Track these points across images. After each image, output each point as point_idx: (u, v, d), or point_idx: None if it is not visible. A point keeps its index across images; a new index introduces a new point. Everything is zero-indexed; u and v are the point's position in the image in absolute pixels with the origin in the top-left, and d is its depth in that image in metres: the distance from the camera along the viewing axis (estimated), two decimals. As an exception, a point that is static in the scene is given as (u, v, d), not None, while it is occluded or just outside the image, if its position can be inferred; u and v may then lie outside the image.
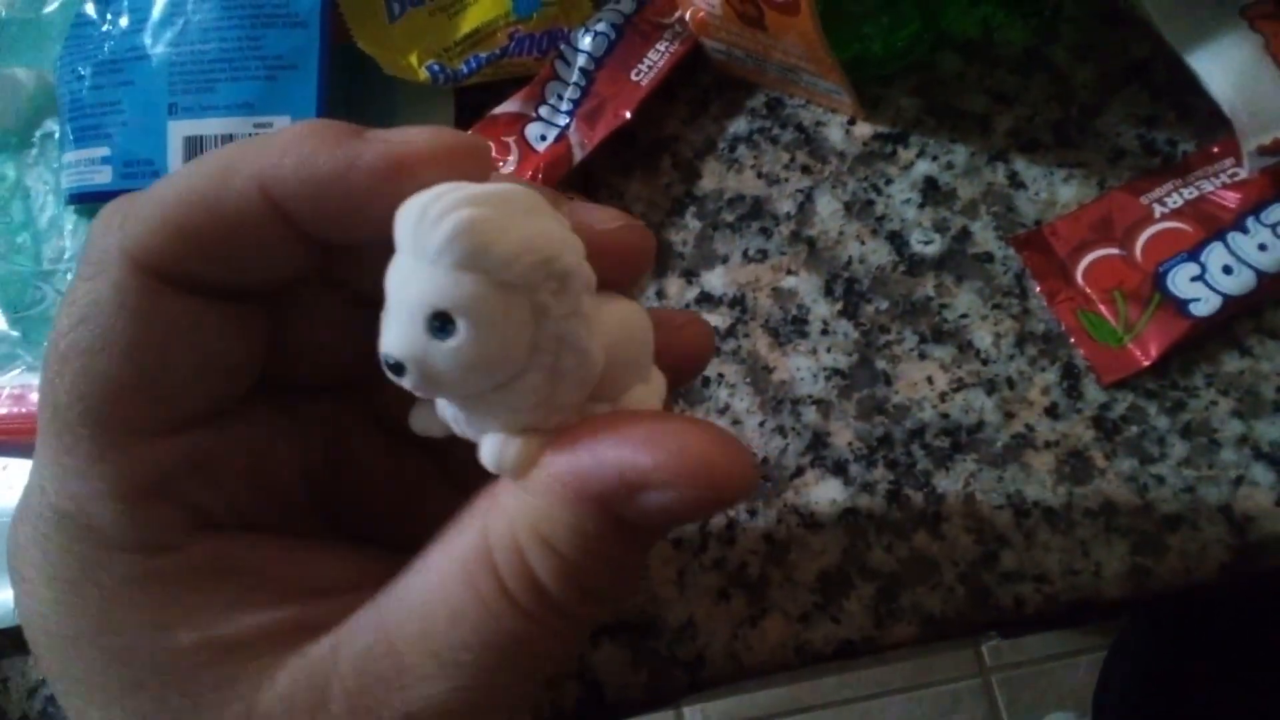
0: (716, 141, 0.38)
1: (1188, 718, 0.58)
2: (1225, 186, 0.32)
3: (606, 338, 0.17)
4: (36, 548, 0.18)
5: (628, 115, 0.36)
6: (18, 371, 0.41)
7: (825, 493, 0.32)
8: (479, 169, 0.17)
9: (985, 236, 0.34)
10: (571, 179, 0.37)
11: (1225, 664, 0.58)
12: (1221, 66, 0.30)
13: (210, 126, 0.38)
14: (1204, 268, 0.31)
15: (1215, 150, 0.32)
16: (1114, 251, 0.32)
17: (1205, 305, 0.30)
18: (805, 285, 0.35)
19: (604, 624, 0.32)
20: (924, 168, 0.35)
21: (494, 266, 0.15)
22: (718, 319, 0.35)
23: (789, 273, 0.35)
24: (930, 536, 0.31)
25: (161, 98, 0.38)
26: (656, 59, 0.37)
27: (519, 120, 0.38)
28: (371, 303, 0.20)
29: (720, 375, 0.34)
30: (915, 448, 0.32)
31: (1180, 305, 0.31)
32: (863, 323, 0.34)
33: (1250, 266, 0.30)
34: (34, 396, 0.40)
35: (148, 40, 0.39)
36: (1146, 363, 0.31)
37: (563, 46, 0.38)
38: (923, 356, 0.33)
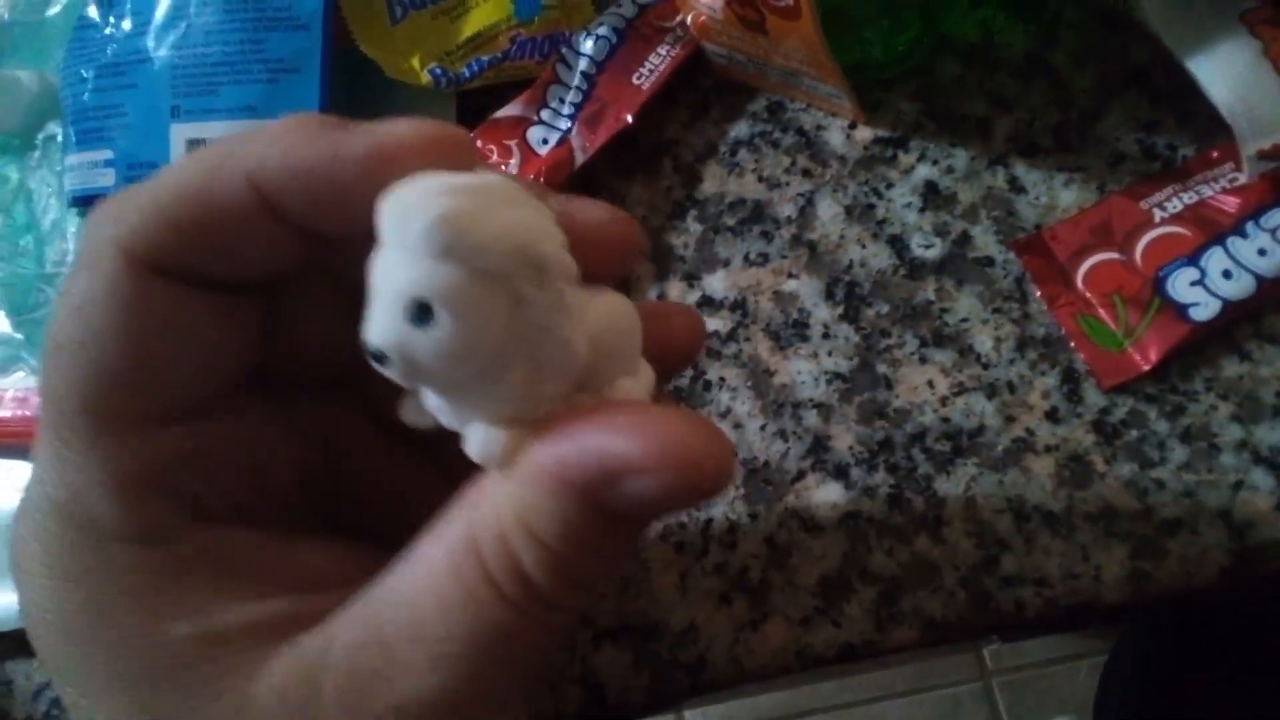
0: (717, 145, 0.38)
1: (1188, 722, 0.58)
2: (1225, 191, 0.32)
3: (591, 329, 0.17)
4: (35, 540, 0.18)
5: (629, 119, 0.37)
6: (21, 374, 0.41)
7: (826, 496, 0.32)
8: (462, 159, 0.18)
9: (985, 241, 0.34)
10: (573, 182, 0.37)
11: (1225, 669, 0.58)
12: (1221, 71, 0.30)
13: (213, 129, 0.38)
14: (1204, 272, 0.31)
15: (1215, 155, 0.32)
16: (1114, 256, 0.32)
17: (1205, 310, 0.30)
18: (806, 289, 0.35)
19: (606, 627, 0.32)
20: (924, 172, 0.35)
21: (471, 255, 0.15)
22: (719, 322, 0.35)
23: (790, 276, 0.35)
24: (931, 540, 0.31)
25: (164, 101, 0.38)
26: (658, 63, 0.37)
27: (521, 124, 0.38)
28: (362, 296, 0.21)
29: (721, 379, 0.34)
30: (916, 452, 0.32)
31: (1180, 310, 0.31)
32: (863, 326, 0.34)
33: (1250, 271, 0.30)
34: (38, 399, 0.40)
35: (150, 43, 0.39)
36: (1146, 367, 0.31)
37: (564, 50, 0.38)
38: (923, 360, 0.33)
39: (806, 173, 0.36)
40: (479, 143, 0.38)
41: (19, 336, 0.42)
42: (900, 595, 0.31)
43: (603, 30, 0.38)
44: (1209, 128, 0.32)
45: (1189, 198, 0.32)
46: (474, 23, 0.39)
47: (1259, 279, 0.30)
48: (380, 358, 0.16)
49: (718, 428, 0.17)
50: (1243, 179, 0.31)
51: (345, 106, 0.40)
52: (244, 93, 0.37)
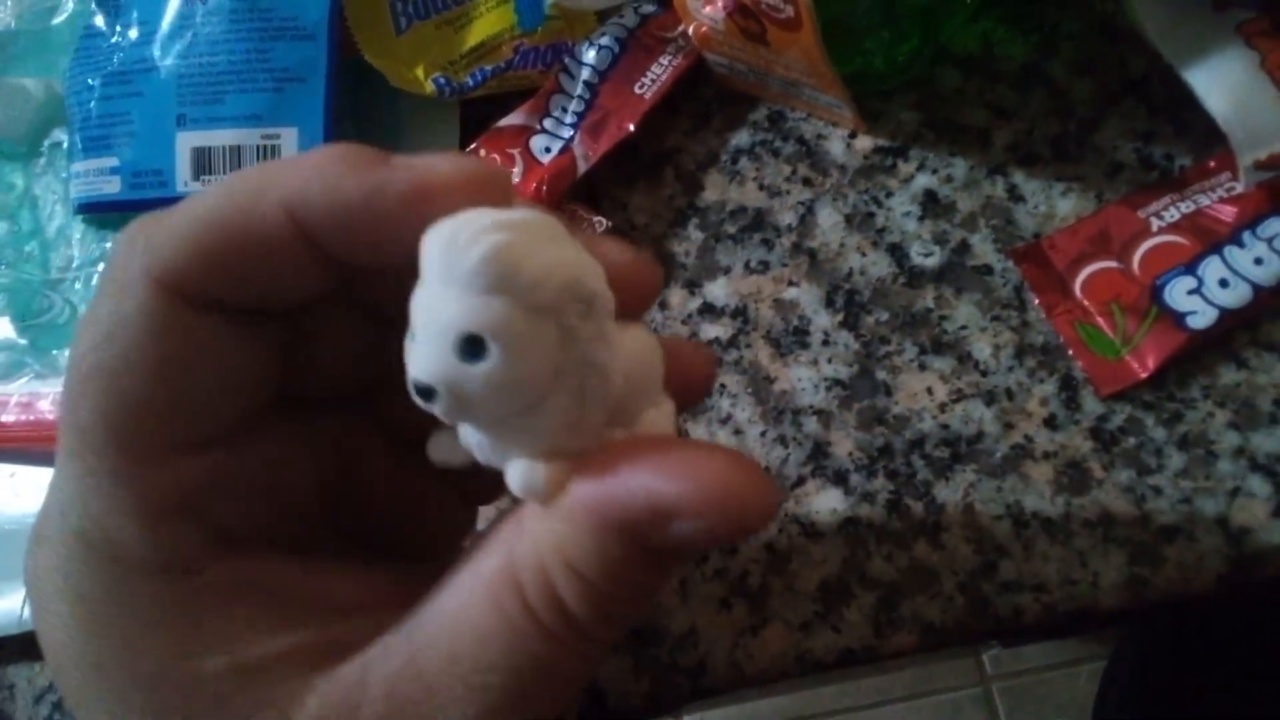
0: (719, 154, 0.38)
1: (1186, 728, 0.59)
2: (1222, 201, 0.32)
3: (624, 363, 0.17)
4: (57, 572, 0.18)
5: (631, 128, 0.37)
6: (26, 379, 0.42)
7: (826, 502, 0.32)
8: (503, 196, 0.18)
9: (984, 249, 0.34)
10: (575, 191, 0.37)
11: (1224, 675, 0.58)
12: (1218, 82, 0.30)
13: (218, 138, 0.38)
14: (1201, 281, 0.31)
15: (1212, 165, 0.33)
16: (1112, 265, 0.32)
17: (1202, 318, 0.31)
18: (806, 296, 0.35)
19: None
20: (924, 181, 0.35)
21: (524, 290, 0.15)
22: (719, 330, 0.35)
23: (790, 284, 0.35)
24: (930, 546, 0.31)
25: (170, 109, 0.39)
26: (660, 72, 0.38)
27: (523, 132, 0.38)
28: (382, 316, 0.21)
29: (722, 386, 0.35)
30: (915, 458, 0.32)
31: (1177, 318, 0.31)
32: (863, 334, 0.34)
33: (1246, 280, 0.31)
34: (42, 404, 0.40)
35: (156, 52, 0.39)
36: (1144, 375, 0.31)
37: (567, 60, 0.39)
38: (922, 368, 0.33)
39: (807, 181, 0.37)
40: (481, 151, 0.38)
41: (23, 342, 0.43)
42: (899, 601, 0.31)
43: (605, 40, 0.38)
44: (1206, 138, 0.33)
45: (1186, 207, 0.32)
46: (477, 33, 0.39)
47: (1256, 288, 0.30)
48: (428, 393, 0.16)
49: (760, 467, 0.17)
50: (1239, 189, 0.32)
51: (350, 116, 0.40)
52: (249, 101, 0.38)
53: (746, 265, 0.36)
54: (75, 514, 0.18)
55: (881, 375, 0.33)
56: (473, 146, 0.38)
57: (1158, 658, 0.62)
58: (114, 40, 0.40)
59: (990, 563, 0.31)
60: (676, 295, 0.36)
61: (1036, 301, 0.33)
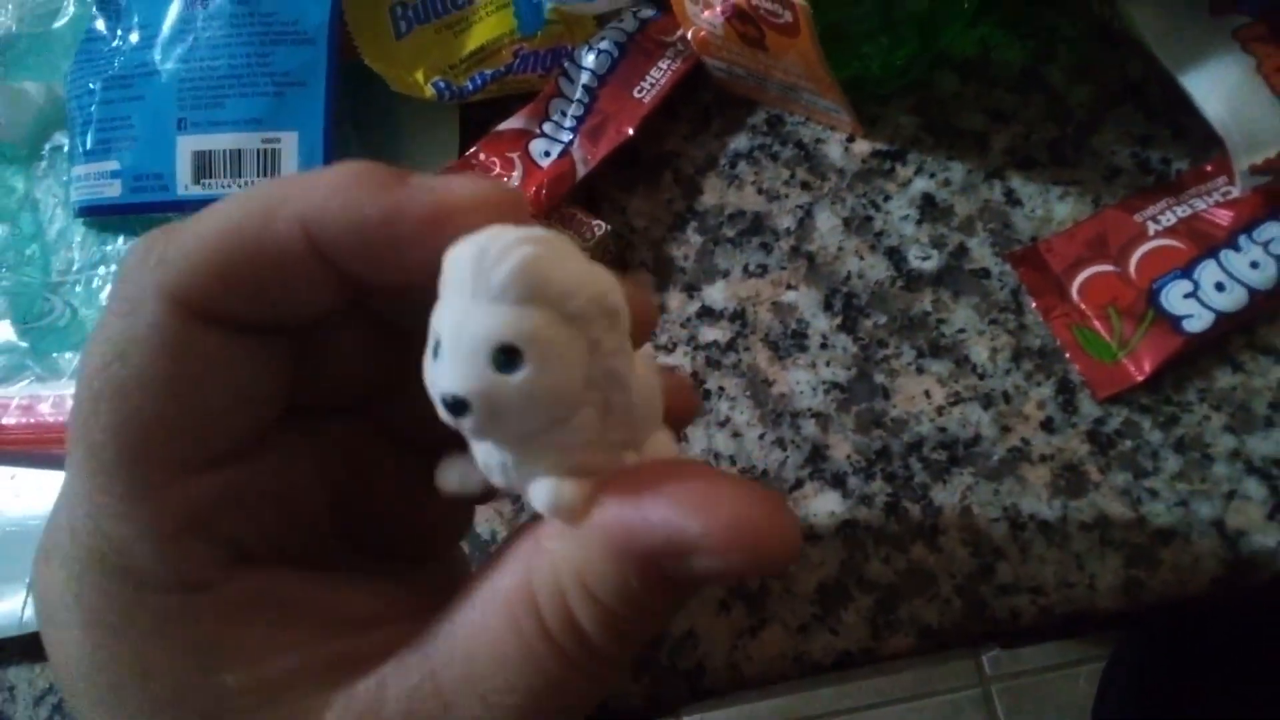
0: (718, 158, 0.38)
1: (1185, 731, 0.59)
2: (1218, 205, 0.32)
3: (636, 382, 0.17)
4: (69, 593, 0.18)
5: (630, 132, 0.37)
6: (26, 382, 0.42)
7: (824, 505, 0.32)
8: (519, 218, 0.18)
9: (982, 253, 0.34)
10: (575, 194, 0.37)
11: (1222, 677, 0.58)
12: (1214, 87, 0.31)
13: (219, 141, 0.38)
14: (1197, 285, 0.31)
15: (1208, 169, 0.33)
16: (1109, 268, 0.33)
17: (1198, 322, 0.31)
18: (805, 300, 0.35)
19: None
20: (922, 185, 0.36)
21: (556, 300, 0.16)
22: (718, 333, 0.36)
23: (789, 287, 0.35)
24: (927, 549, 0.31)
25: (171, 113, 0.39)
26: (659, 76, 0.38)
27: (523, 136, 0.38)
28: (383, 322, 0.21)
29: (721, 388, 0.35)
30: (913, 461, 0.32)
31: (1174, 321, 0.31)
32: (861, 337, 0.34)
33: (1242, 284, 0.31)
34: (43, 407, 0.40)
35: (157, 56, 0.39)
36: (1140, 378, 0.31)
37: (566, 64, 0.39)
38: (920, 371, 0.33)
39: (805, 185, 0.37)
40: (481, 155, 0.38)
41: (24, 345, 0.43)
42: (897, 603, 0.31)
43: (604, 44, 0.38)
44: (1203, 142, 0.33)
45: (1183, 211, 0.32)
46: (477, 37, 0.39)
47: (1251, 291, 0.31)
48: (459, 407, 0.15)
49: (784, 503, 0.17)
50: (1235, 193, 0.32)
51: (350, 120, 0.40)
52: (250, 105, 0.38)
53: (745, 269, 0.36)
54: (86, 532, 0.17)
55: (879, 378, 0.34)
56: (472, 150, 0.39)
57: (1156, 659, 0.62)
58: (115, 44, 0.40)
59: (987, 565, 0.31)
60: (675, 298, 0.36)
61: (1034, 305, 0.33)
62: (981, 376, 0.33)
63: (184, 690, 0.17)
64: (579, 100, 0.38)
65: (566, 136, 0.38)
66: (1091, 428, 0.31)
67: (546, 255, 0.16)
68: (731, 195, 0.37)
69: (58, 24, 0.46)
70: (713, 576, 0.16)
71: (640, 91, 0.38)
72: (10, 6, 0.47)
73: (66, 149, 0.43)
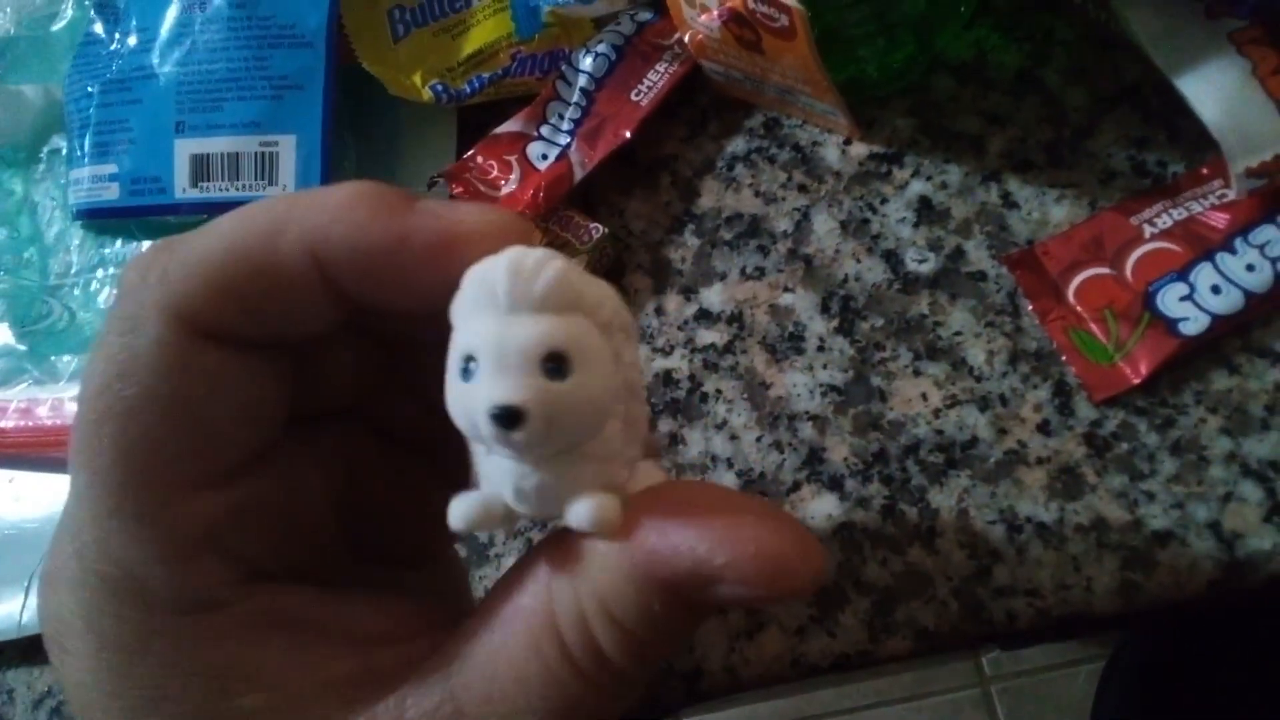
0: (715, 161, 0.38)
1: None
2: (1214, 208, 0.32)
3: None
4: (79, 618, 0.17)
5: (628, 135, 0.37)
6: (24, 385, 0.42)
7: (821, 507, 0.33)
8: (527, 246, 0.18)
9: (979, 255, 0.34)
10: (572, 197, 0.37)
11: (1222, 677, 0.59)
12: (1210, 90, 0.31)
13: (217, 145, 0.38)
14: (1193, 287, 0.31)
15: (1204, 172, 0.33)
16: (1105, 271, 0.33)
17: (1194, 324, 0.31)
18: (802, 302, 0.35)
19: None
20: (918, 187, 0.36)
21: (591, 309, 0.16)
22: (715, 335, 0.36)
23: (786, 290, 0.36)
24: (924, 551, 0.31)
25: (169, 116, 0.39)
26: (656, 79, 0.38)
27: (520, 139, 0.38)
28: (374, 331, 0.21)
29: (718, 391, 0.35)
30: (910, 463, 0.32)
31: (1170, 324, 0.31)
32: (858, 340, 0.34)
33: (1238, 286, 0.31)
34: (41, 410, 0.40)
35: (155, 59, 0.39)
36: (1136, 381, 0.31)
37: (564, 67, 0.39)
38: (917, 373, 0.33)
39: (802, 188, 0.37)
40: (478, 158, 0.38)
41: (22, 348, 0.43)
42: (894, 605, 0.31)
43: (602, 47, 0.38)
44: (1199, 145, 0.33)
45: (1179, 214, 0.32)
46: (475, 40, 0.39)
47: (1247, 294, 0.31)
48: (514, 418, 0.15)
49: (807, 531, 0.17)
50: (1232, 196, 0.32)
51: (348, 123, 0.40)
52: (248, 109, 0.38)
53: (742, 271, 0.36)
54: (93, 556, 0.17)
55: (876, 381, 0.34)
56: (469, 153, 0.39)
57: (1157, 659, 0.62)
58: (113, 47, 0.40)
59: (984, 568, 0.31)
60: (672, 301, 0.37)
61: (1030, 308, 0.33)
62: (978, 379, 0.33)
63: (202, 713, 0.17)
64: (576, 103, 0.38)
65: (564, 139, 0.38)
66: (1088, 430, 0.32)
67: (574, 269, 0.16)
68: (729, 198, 0.37)
69: (56, 27, 0.46)
70: (736, 603, 0.17)
71: (637, 94, 0.38)
72: (8, 9, 0.47)
73: (65, 152, 0.43)
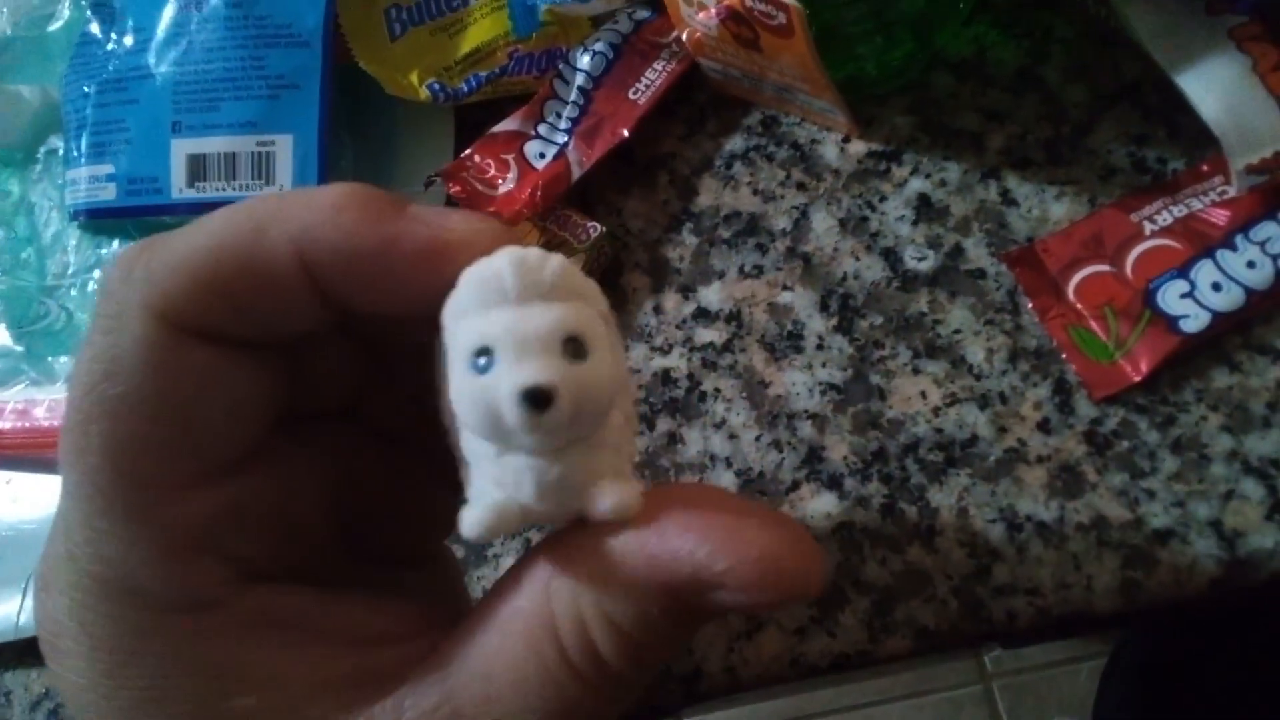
0: (713, 159, 0.38)
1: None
2: (1214, 204, 0.32)
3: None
4: (74, 620, 0.17)
5: (625, 133, 0.37)
6: (21, 386, 0.42)
7: (820, 506, 0.32)
8: None
9: (978, 253, 0.34)
10: (570, 196, 0.37)
11: (1223, 674, 0.59)
12: (1210, 87, 0.31)
13: (214, 145, 0.38)
14: (1193, 284, 0.31)
15: (1205, 168, 0.33)
16: (1105, 268, 0.32)
17: (1195, 322, 0.31)
18: (800, 301, 0.35)
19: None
20: (917, 185, 0.36)
21: (592, 297, 0.17)
22: (714, 334, 0.35)
23: (784, 288, 0.35)
24: (924, 550, 0.31)
25: (165, 116, 0.39)
26: (654, 78, 0.38)
27: (518, 138, 0.38)
28: (364, 331, 0.21)
29: (717, 390, 0.35)
30: (909, 462, 0.32)
31: (1170, 321, 0.31)
32: (857, 338, 0.34)
33: (1239, 283, 0.31)
34: (38, 411, 0.40)
35: (152, 59, 0.39)
36: (1137, 378, 0.31)
37: (561, 65, 0.39)
38: (916, 372, 0.33)
39: (801, 186, 0.37)
40: (476, 157, 0.38)
41: (19, 349, 0.43)
42: (894, 605, 0.31)
43: (599, 46, 0.38)
44: (1199, 142, 0.33)
45: (1179, 211, 0.32)
46: (472, 39, 0.39)
47: (1248, 291, 0.31)
48: (544, 400, 0.15)
49: (809, 536, 0.17)
50: (1232, 192, 0.32)
51: (345, 122, 0.40)
52: (245, 109, 0.38)
53: (741, 270, 0.36)
54: (86, 557, 0.17)
55: (875, 379, 0.33)
56: (467, 152, 0.39)
57: (1159, 655, 0.62)
58: (110, 47, 0.40)
59: (984, 566, 0.31)
60: (671, 300, 0.36)
61: (1030, 305, 0.33)
62: (978, 377, 0.33)
63: (199, 714, 0.17)
64: (574, 102, 0.38)
65: (561, 138, 0.38)
66: (1088, 428, 0.31)
67: (569, 262, 0.17)
68: (727, 196, 0.37)
69: (52, 27, 0.46)
70: (735, 609, 0.17)
71: (635, 93, 0.38)
72: (5, 10, 0.47)
73: (61, 152, 0.43)
